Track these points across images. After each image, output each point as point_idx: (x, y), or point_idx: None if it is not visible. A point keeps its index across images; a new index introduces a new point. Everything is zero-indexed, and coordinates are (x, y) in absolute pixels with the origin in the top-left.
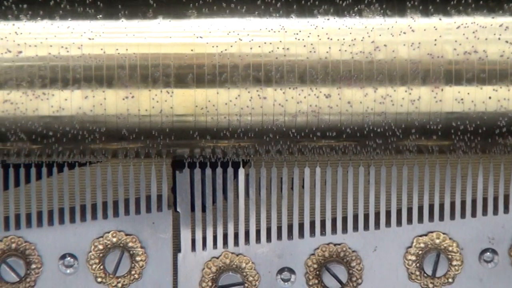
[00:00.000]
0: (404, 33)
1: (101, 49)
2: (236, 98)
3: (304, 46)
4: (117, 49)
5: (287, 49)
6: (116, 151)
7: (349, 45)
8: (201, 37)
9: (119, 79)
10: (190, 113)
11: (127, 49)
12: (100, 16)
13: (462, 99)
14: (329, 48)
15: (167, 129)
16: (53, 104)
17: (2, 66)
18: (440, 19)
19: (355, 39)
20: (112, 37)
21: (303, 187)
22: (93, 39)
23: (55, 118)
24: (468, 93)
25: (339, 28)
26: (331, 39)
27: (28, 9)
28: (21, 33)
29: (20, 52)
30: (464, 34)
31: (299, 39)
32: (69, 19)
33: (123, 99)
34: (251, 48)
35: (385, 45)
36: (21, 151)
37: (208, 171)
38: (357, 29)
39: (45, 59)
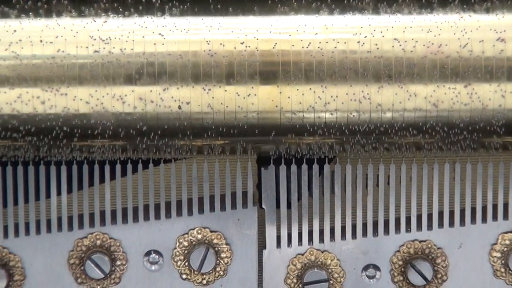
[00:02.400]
0: None
1: (184, 48)
2: (321, 95)
3: (392, 44)
4: (203, 46)
5: (375, 45)
6: (201, 148)
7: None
8: (286, 34)
9: (204, 76)
10: (275, 110)
11: (213, 46)
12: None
13: None
14: (414, 45)
15: (252, 125)
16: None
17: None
18: None
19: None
20: (199, 34)
21: (388, 183)
22: (164, 37)
23: (138, 115)
24: None
25: (435, 27)
26: (419, 37)
27: None
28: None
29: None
30: None
31: (384, 36)
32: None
33: (206, 97)
34: (335, 46)
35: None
36: (108, 148)
37: (294, 167)
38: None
39: (131, 56)
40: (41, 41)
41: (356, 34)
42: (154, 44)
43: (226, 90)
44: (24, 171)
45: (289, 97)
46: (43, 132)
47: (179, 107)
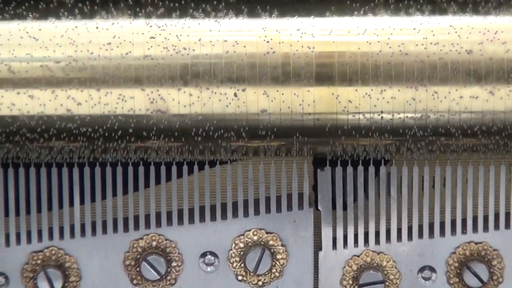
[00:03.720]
0: None
1: (245, 47)
2: (377, 97)
3: (449, 47)
4: (259, 47)
5: (432, 45)
6: (257, 149)
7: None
8: (342, 35)
9: (260, 77)
10: (331, 111)
11: (270, 47)
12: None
13: None
14: (470, 48)
15: (308, 127)
16: (200, 102)
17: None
18: None
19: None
20: (255, 35)
21: (444, 185)
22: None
23: (194, 116)
24: None
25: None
26: (468, 37)
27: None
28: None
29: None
30: None
31: (442, 38)
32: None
33: (262, 98)
34: (392, 48)
35: None
36: (164, 149)
37: (350, 169)
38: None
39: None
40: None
41: (413, 35)
42: (213, 45)
43: (282, 91)
44: (80, 173)
45: (345, 99)
46: (98, 133)
47: (235, 101)
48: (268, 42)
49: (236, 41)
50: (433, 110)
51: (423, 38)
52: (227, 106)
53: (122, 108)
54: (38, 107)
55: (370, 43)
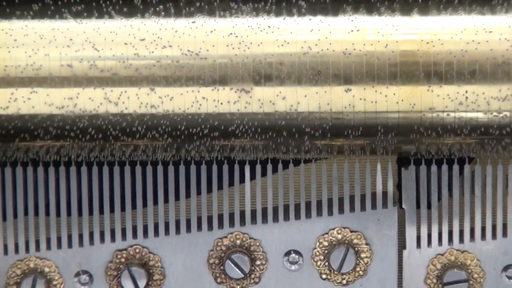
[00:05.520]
0: None
1: (329, 48)
2: (462, 95)
3: None
4: (343, 46)
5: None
6: (342, 148)
7: None
8: (428, 33)
9: (344, 76)
10: (416, 110)
11: (353, 46)
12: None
13: None
14: None
15: (392, 125)
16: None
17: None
18: None
19: None
20: (339, 34)
21: None
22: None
23: (278, 114)
24: None
25: None
26: None
27: None
28: None
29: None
30: None
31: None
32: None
33: (344, 96)
34: (476, 47)
35: None
36: (247, 147)
37: (434, 167)
38: None
39: (264, 56)
40: (179, 46)
41: (498, 33)
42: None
43: (365, 89)
44: (164, 171)
45: (429, 97)
46: (182, 132)
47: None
48: (352, 43)
49: (318, 39)
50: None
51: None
52: (312, 104)
53: (207, 105)
54: (121, 105)
55: (455, 42)
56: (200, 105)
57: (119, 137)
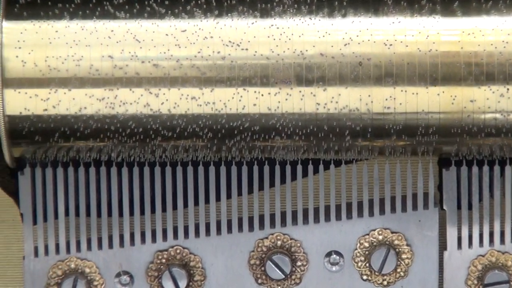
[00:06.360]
0: None
1: (371, 47)
2: (504, 96)
3: None
4: (384, 47)
5: None
6: (382, 149)
7: None
8: (469, 34)
9: (385, 77)
10: (456, 110)
11: (395, 48)
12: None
13: None
14: None
15: (433, 126)
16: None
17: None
18: None
19: None
20: (381, 34)
21: None
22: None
23: (320, 115)
24: None
25: None
26: None
27: None
28: None
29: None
30: None
31: None
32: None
33: (387, 97)
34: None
35: None
36: (289, 148)
37: (475, 169)
38: None
39: (313, 57)
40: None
41: None
42: (332, 46)
43: (406, 91)
44: (205, 172)
45: (469, 98)
46: (224, 133)
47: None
48: (391, 44)
49: (362, 41)
50: None
51: None
52: (351, 106)
53: (254, 105)
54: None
55: (493, 44)
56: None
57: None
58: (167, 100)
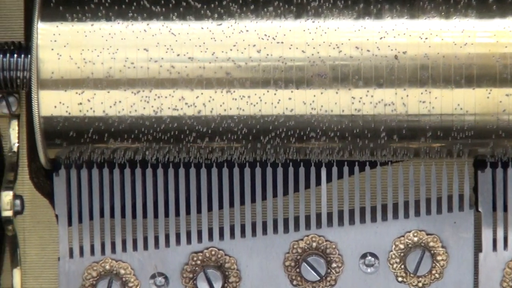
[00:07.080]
0: None
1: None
2: None
3: None
4: (420, 49)
5: None
6: (418, 150)
7: None
8: (504, 36)
9: (421, 78)
10: (491, 112)
11: (431, 50)
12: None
13: None
14: None
15: (469, 128)
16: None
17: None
18: None
19: None
20: (417, 36)
21: None
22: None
23: (355, 117)
24: None
25: None
26: None
27: None
28: None
29: None
30: None
31: None
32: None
33: (420, 99)
34: None
35: None
36: (323, 149)
37: (511, 170)
38: None
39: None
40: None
41: None
42: (357, 48)
43: (442, 93)
44: (240, 173)
45: (506, 99)
46: (258, 134)
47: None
48: (425, 42)
49: (398, 34)
50: None
51: None
52: (379, 108)
53: (286, 108)
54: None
55: None
56: (275, 107)
57: (195, 137)
58: (203, 100)
